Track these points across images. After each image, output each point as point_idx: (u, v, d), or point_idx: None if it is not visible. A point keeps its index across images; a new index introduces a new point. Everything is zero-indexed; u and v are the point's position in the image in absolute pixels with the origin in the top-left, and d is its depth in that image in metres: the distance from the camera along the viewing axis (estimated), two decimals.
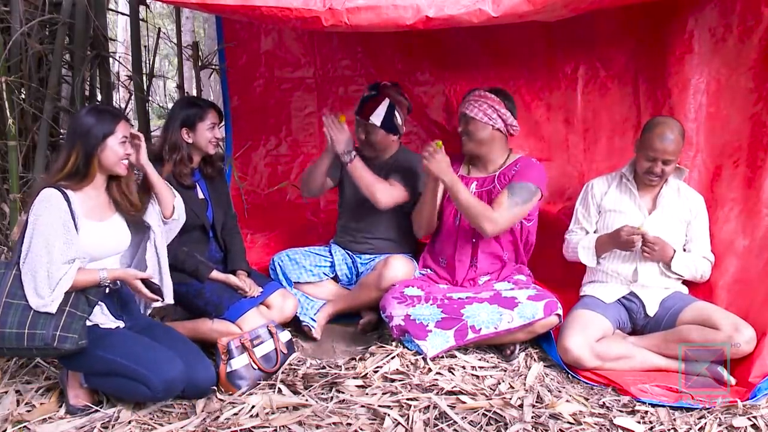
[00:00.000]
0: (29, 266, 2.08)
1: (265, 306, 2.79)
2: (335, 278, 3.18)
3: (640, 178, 2.72)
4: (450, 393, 2.28)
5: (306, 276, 3.10)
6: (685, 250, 2.73)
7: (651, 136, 2.61)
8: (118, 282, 2.23)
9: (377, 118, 2.95)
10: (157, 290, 2.26)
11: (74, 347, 2.08)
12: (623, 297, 2.69)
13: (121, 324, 2.28)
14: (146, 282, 2.23)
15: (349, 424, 2.08)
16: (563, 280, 2.96)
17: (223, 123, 2.87)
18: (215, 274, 2.70)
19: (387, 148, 3.08)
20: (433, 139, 2.99)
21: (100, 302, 2.22)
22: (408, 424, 2.09)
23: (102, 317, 2.24)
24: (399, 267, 2.88)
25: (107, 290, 2.25)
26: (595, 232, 2.80)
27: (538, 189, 2.78)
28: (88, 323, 2.17)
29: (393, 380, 2.39)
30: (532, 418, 2.13)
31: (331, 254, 3.17)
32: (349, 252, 3.16)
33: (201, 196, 2.82)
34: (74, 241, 2.12)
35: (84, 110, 2.26)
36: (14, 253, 2.17)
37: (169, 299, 2.39)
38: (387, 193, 2.92)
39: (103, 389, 2.26)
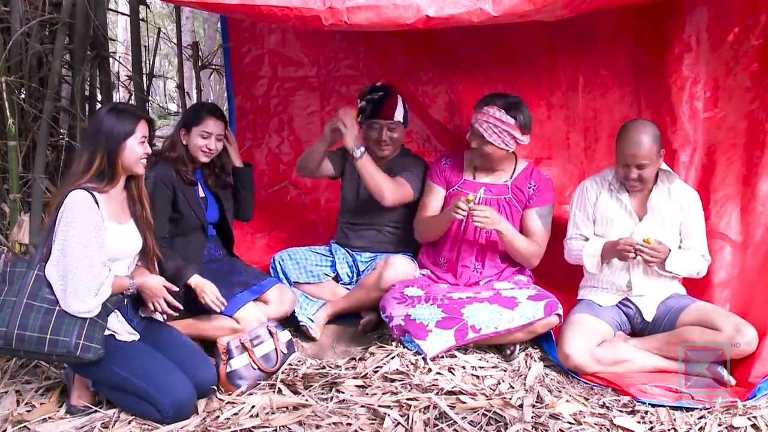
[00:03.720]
0: (65, 270, 2.03)
1: (262, 302, 2.77)
2: (336, 278, 3.17)
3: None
4: (450, 393, 2.28)
5: (306, 276, 3.10)
6: (680, 248, 2.71)
7: (621, 143, 2.57)
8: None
9: (400, 114, 2.96)
10: (176, 299, 2.29)
11: (95, 357, 2.06)
12: (620, 302, 2.68)
13: (137, 336, 2.25)
14: (169, 292, 2.26)
15: (349, 424, 2.08)
16: (563, 281, 2.96)
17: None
18: (194, 280, 2.51)
19: (401, 144, 3.09)
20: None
21: (115, 310, 2.21)
22: (408, 424, 2.09)
23: (118, 325, 2.21)
24: (399, 267, 2.87)
25: (124, 299, 2.25)
26: (595, 234, 2.79)
27: (554, 204, 2.92)
28: (105, 333, 2.15)
29: (393, 380, 2.38)
30: (532, 418, 2.13)
31: (332, 253, 3.17)
32: (350, 250, 3.16)
33: (201, 194, 2.80)
34: (104, 244, 2.11)
35: (104, 110, 2.24)
36: (36, 253, 2.13)
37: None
38: (395, 191, 2.90)
39: (111, 399, 2.23)
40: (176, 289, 2.30)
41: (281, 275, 3.07)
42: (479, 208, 2.66)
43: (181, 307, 2.33)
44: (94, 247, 2.06)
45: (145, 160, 2.24)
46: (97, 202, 2.11)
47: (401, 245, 3.12)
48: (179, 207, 2.68)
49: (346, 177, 3.18)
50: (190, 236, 2.74)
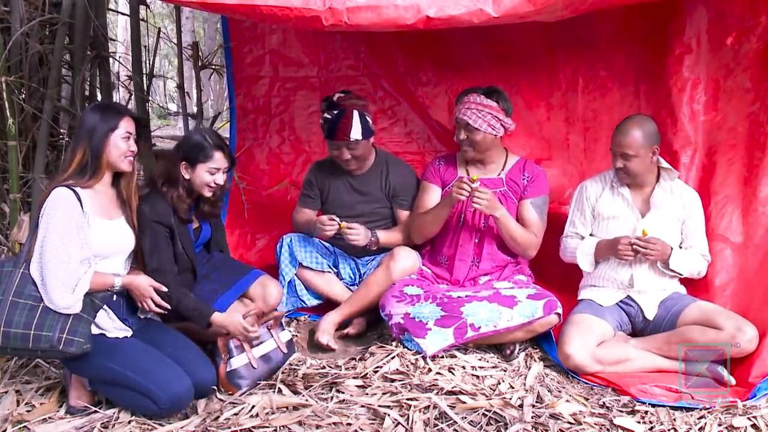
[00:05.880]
0: (45, 267, 2.05)
1: (248, 299, 2.71)
2: (338, 274, 3.16)
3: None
4: (450, 393, 2.28)
5: (311, 260, 3.06)
6: (681, 248, 2.72)
7: (615, 132, 2.63)
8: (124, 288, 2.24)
9: (357, 132, 2.89)
10: (164, 299, 2.28)
11: (79, 351, 2.07)
12: (621, 301, 2.68)
13: (129, 333, 2.25)
14: (157, 292, 2.26)
15: (349, 424, 2.08)
16: (563, 280, 2.96)
17: (230, 166, 2.62)
18: (217, 317, 2.44)
19: (370, 154, 3.08)
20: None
21: (105, 307, 2.21)
22: (408, 424, 2.09)
23: (108, 322, 2.21)
24: (405, 257, 2.87)
25: (114, 296, 2.25)
26: (591, 235, 2.79)
27: (548, 195, 2.92)
28: (96, 331, 2.15)
29: (393, 380, 2.38)
30: (532, 418, 2.13)
31: (335, 253, 3.15)
32: (353, 256, 3.15)
33: (195, 224, 2.67)
34: (87, 241, 2.12)
35: (90, 107, 2.28)
36: (21, 252, 2.15)
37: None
38: (415, 235, 3.00)
39: (108, 396, 2.23)
40: (164, 289, 2.29)
41: (286, 255, 3.04)
42: (481, 190, 2.67)
43: (169, 307, 2.31)
44: (74, 245, 2.08)
45: (131, 158, 2.24)
46: (80, 199, 2.12)
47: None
48: (173, 248, 2.53)
49: (329, 200, 3.16)
50: (180, 277, 2.57)
